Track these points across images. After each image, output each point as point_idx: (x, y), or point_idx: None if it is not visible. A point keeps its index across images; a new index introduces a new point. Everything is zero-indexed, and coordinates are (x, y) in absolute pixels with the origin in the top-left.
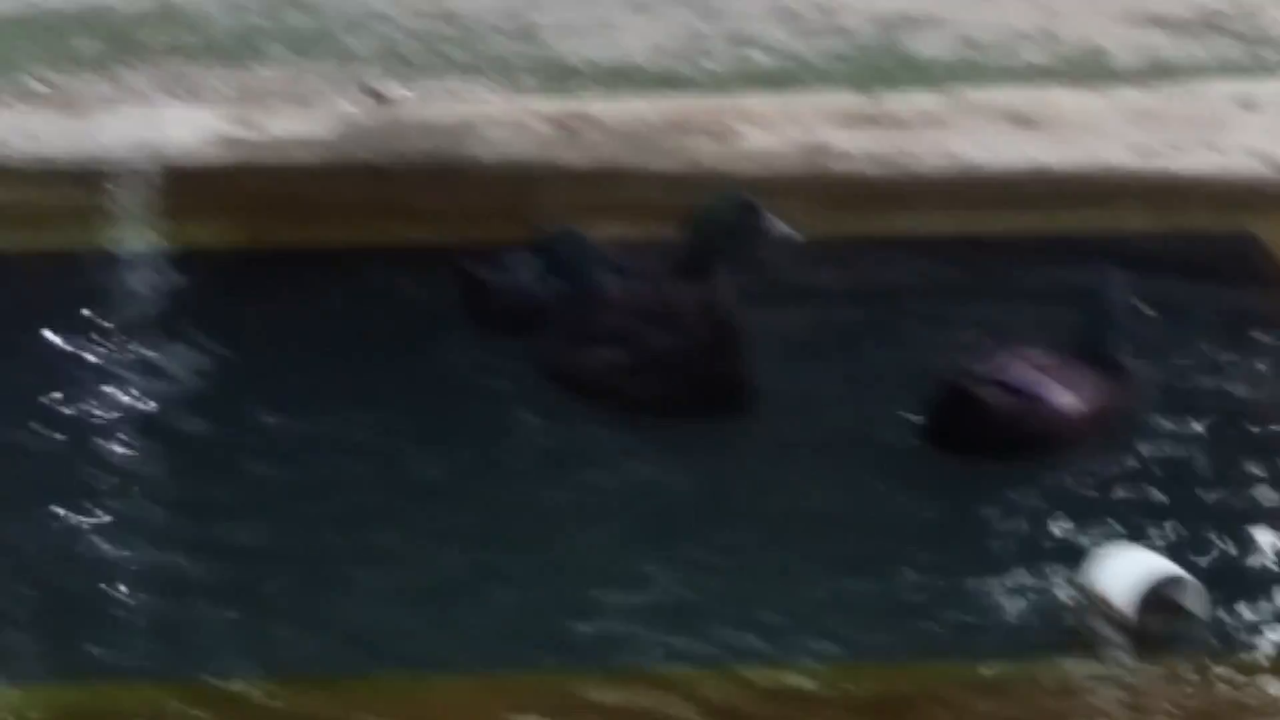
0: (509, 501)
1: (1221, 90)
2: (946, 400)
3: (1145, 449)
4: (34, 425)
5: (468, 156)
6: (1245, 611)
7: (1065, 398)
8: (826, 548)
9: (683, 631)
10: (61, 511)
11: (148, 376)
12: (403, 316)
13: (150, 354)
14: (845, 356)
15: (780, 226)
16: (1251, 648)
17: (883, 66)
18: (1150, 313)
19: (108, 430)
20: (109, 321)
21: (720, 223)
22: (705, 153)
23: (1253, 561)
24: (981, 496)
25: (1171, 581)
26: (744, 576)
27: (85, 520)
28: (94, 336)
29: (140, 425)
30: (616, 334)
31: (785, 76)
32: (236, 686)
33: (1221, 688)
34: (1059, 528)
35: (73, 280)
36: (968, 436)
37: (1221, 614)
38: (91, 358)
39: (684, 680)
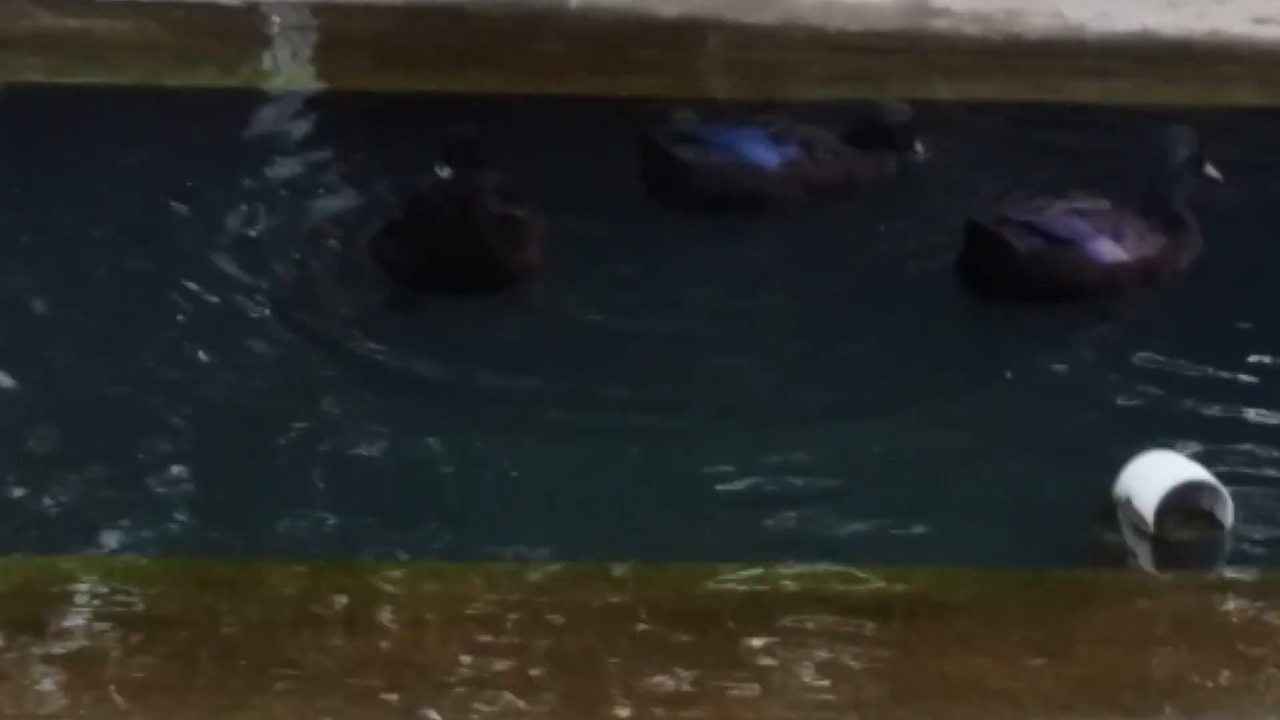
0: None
1: None
2: (973, 241)
3: (1197, 312)
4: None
5: (553, 3)
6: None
7: (1104, 244)
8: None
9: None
10: None
11: None
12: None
13: None
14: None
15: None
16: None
17: None
18: (1216, 174)
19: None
20: None
21: None
22: (802, 6)
23: None
24: (1009, 359)
25: (1196, 487)
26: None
27: None
28: None
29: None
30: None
31: None
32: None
33: (1239, 603)
34: (1087, 402)
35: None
36: (995, 278)
37: (1249, 523)
38: None
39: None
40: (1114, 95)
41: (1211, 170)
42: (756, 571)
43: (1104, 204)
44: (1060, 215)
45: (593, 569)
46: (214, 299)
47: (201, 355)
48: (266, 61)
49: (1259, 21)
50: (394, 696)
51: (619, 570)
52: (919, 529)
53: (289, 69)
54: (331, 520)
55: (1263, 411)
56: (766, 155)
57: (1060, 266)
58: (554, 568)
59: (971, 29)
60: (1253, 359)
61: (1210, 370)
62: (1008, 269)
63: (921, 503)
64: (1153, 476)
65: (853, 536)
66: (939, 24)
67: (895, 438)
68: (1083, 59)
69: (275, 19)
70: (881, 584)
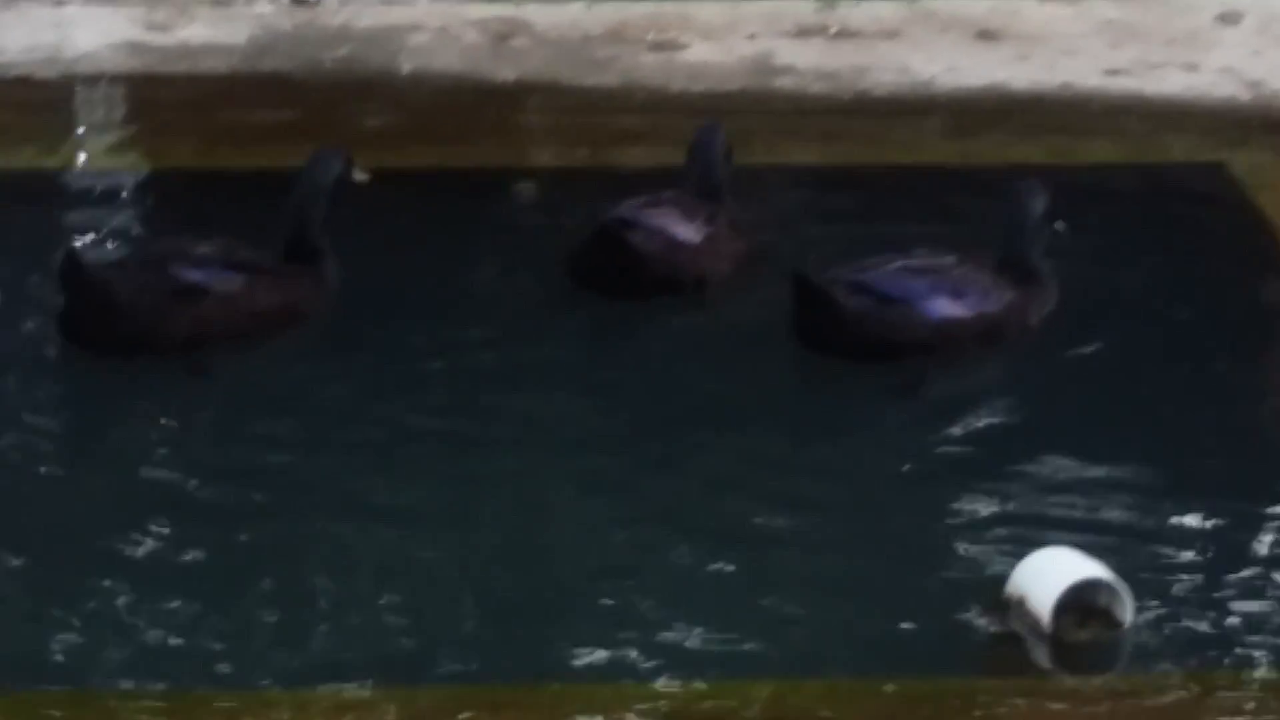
0: None
1: (1202, 2)
2: (802, 299)
3: (1045, 368)
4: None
5: (386, 68)
6: (1173, 616)
7: (939, 302)
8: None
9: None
10: None
11: None
12: None
13: None
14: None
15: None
16: (1180, 659)
17: None
18: (1060, 228)
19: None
20: None
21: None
22: (643, 66)
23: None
24: (861, 437)
25: (1093, 585)
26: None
27: None
28: None
29: None
30: None
31: None
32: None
33: (1142, 706)
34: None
35: None
36: (825, 336)
37: (1148, 620)
38: None
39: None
40: (968, 155)
41: (1058, 225)
42: (611, 691)
43: (948, 260)
44: (892, 273)
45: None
46: None
47: None
48: (86, 138)
49: (1110, 74)
50: None
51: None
52: (791, 638)
53: (109, 145)
54: None
55: (1135, 486)
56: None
57: (889, 324)
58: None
59: (818, 87)
60: (1116, 426)
61: (1075, 448)
62: (836, 327)
63: (791, 609)
64: (1048, 574)
65: (718, 652)
66: (784, 82)
67: (754, 532)
68: (933, 115)
69: (94, 92)
70: (762, 702)
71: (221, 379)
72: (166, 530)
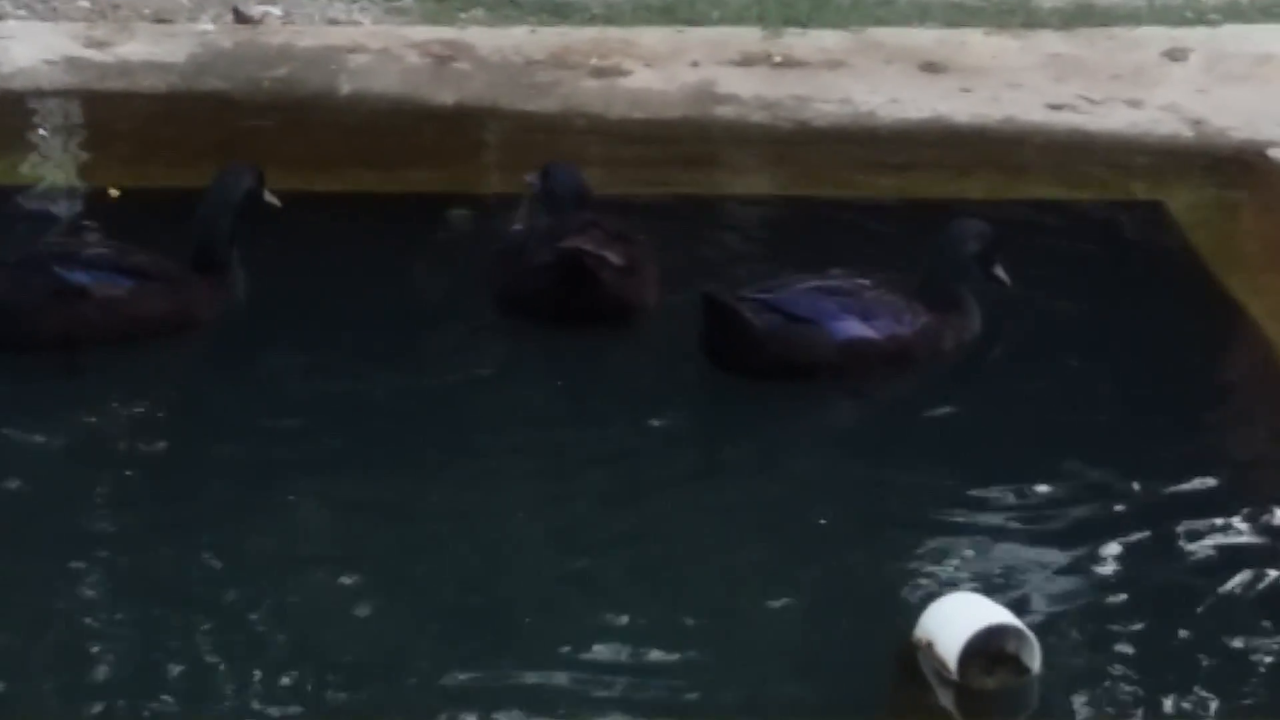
0: None
1: (1150, 37)
2: (710, 316)
3: (956, 395)
4: None
5: (325, 89)
6: (1081, 664)
7: (847, 322)
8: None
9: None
10: None
11: None
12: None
13: None
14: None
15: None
16: (1087, 707)
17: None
18: (1004, 278)
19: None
20: None
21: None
22: (584, 91)
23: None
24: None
25: (1001, 631)
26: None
27: None
28: None
29: None
30: None
31: (684, 8)
32: None
33: None
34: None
35: None
36: (732, 354)
37: (1056, 667)
38: None
39: None
40: (906, 189)
41: (1001, 273)
42: None
43: (862, 283)
44: (800, 292)
45: None
46: None
47: None
48: (17, 154)
49: (1053, 108)
50: None
51: None
52: (691, 680)
53: (43, 163)
54: None
55: (1044, 527)
56: None
57: (796, 343)
58: None
59: (758, 116)
60: (1032, 463)
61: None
62: (743, 344)
63: (691, 651)
64: (955, 619)
65: (614, 695)
66: (724, 111)
67: (653, 567)
68: (874, 147)
69: (29, 107)
70: None
71: (94, 381)
72: None
